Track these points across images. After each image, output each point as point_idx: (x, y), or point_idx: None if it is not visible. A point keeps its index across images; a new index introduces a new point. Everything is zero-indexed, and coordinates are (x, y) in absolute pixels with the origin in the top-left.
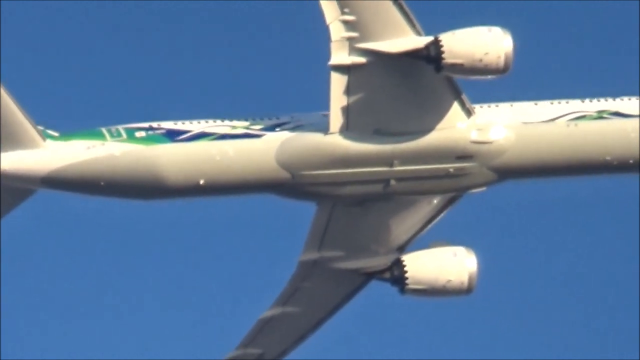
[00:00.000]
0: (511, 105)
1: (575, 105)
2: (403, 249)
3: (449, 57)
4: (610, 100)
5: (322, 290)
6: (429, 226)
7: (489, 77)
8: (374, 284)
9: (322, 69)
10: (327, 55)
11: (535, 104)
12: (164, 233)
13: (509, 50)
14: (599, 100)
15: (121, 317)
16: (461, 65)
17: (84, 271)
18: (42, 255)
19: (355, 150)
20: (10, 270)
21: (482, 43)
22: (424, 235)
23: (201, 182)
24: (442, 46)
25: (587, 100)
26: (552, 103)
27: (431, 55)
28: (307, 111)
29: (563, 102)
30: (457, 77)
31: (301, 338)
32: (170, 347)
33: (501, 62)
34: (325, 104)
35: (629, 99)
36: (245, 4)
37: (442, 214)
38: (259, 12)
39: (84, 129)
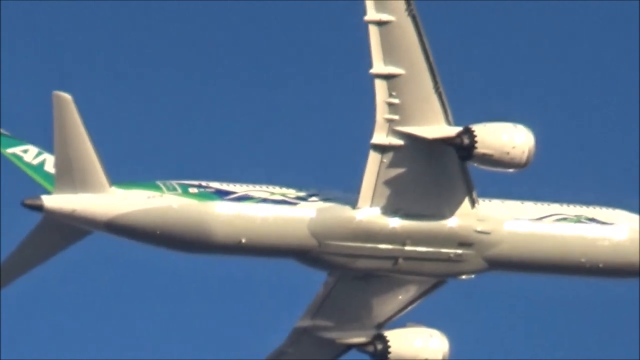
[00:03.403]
0: (502, 202)
1: (557, 208)
2: (382, 325)
3: (481, 147)
4: (584, 207)
5: (304, 357)
6: (411, 307)
7: (509, 170)
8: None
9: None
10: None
11: (522, 203)
12: (181, 283)
13: (532, 147)
14: (575, 206)
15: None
16: (490, 156)
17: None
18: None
19: (377, 227)
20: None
21: (510, 137)
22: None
23: (243, 240)
24: (475, 136)
25: (565, 205)
26: (535, 204)
27: (464, 144)
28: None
29: (545, 204)
30: (482, 168)
31: None
32: None
33: (524, 156)
34: (346, 182)
35: (600, 209)
36: (299, 78)
37: (425, 296)
38: (312, 89)
39: (137, 180)
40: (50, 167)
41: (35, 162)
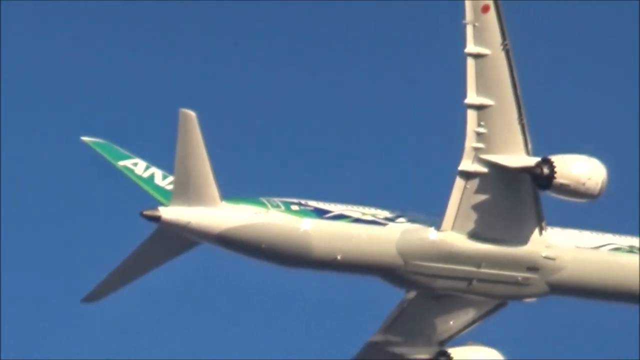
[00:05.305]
0: (562, 230)
1: (611, 238)
2: (444, 343)
3: (559, 177)
4: (635, 238)
5: None
6: (473, 326)
7: (582, 200)
8: None
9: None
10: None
11: (580, 232)
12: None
13: (605, 179)
14: (626, 237)
15: None
16: (567, 186)
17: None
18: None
19: (458, 249)
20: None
21: (586, 169)
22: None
23: (339, 257)
24: (554, 167)
25: (617, 235)
26: (591, 233)
27: (543, 174)
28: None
29: (600, 233)
30: (557, 197)
31: None
32: None
33: (598, 188)
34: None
35: None
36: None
37: (487, 317)
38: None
39: (243, 196)
40: (159, 180)
41: (146, 175)
